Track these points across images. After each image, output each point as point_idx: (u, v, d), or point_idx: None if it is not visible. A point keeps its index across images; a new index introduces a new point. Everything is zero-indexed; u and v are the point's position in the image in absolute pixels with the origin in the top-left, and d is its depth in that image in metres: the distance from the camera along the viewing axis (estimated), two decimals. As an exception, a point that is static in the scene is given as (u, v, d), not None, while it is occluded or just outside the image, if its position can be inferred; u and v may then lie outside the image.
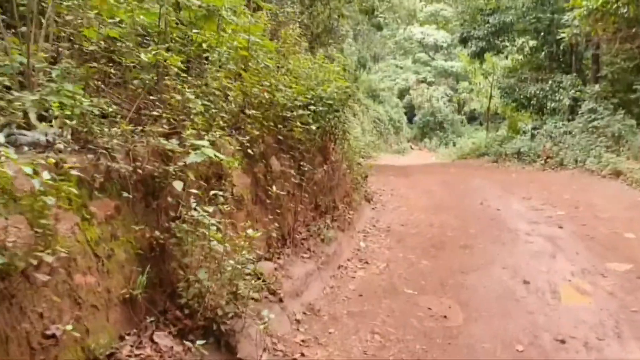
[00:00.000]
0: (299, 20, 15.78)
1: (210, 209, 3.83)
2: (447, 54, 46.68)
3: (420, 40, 45.55)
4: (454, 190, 13.16)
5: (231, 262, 3.93)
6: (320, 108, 6.93)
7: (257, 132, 5.49)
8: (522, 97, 21.99)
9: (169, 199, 3.90)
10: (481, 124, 42.55)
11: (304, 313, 5.12)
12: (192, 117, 4.26)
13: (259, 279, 4.56)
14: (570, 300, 6.00)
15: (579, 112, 18.27)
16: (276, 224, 5.59)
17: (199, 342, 3.55)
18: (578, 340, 4.94)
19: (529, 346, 4.78)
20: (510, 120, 27.26)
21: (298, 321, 4.90)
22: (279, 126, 6.20)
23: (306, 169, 6.76)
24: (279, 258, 5.57)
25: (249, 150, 5.30)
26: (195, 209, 3.77)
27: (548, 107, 21.26)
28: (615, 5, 15.23)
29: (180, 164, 3.83)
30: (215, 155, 3.87)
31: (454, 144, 38.89)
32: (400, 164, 27.04)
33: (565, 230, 8.96)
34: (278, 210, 5.84)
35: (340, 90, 7.57)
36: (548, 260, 7.39)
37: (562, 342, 4.88)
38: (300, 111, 6.44)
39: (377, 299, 5.77)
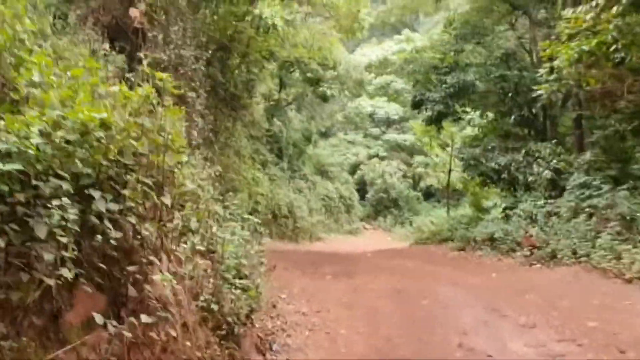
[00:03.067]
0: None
1: None
2: (400, 128, 43.19)
3: (371, 114, 41.95)
4: (413, 309, 8.22)
5: None
6: None
7: None
8: (489, 170, 17.71)
9: None
10: (439, 201, 38.45)
11: None
12: None
13: None
14: None
15: (568, 188, 13.95)
16: None
17: None
18: None
19: None
20: (474, 197, 22.95)
21: None
22: None
23: None
24: None
25: None
26: None
27: (521, 182, 17.01)
28: (613, 48, 11.22)
29: None
30: None
31: (411, 223, 34.47)
32: (348, 251, 22.15)
33: None
34: None
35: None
36: None
37: None
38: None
39: None
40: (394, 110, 41.00)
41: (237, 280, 5.37)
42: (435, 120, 19.22)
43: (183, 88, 10.50)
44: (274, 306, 8.14)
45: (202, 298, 4.72)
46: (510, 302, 8.49)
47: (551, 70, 13.06)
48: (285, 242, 26.01)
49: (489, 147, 18.12)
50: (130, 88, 4.07)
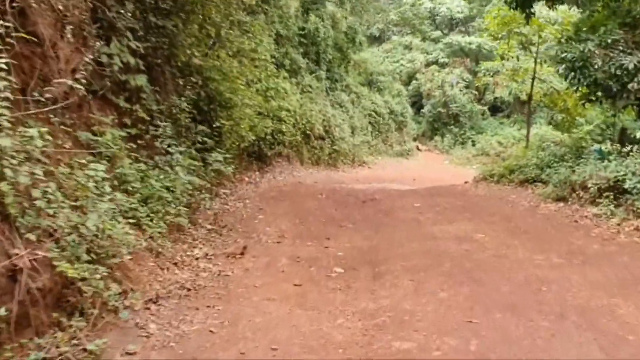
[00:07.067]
0: None
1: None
2: (465, 29, 35.49)
3: (431, 12, 34.34)
4: None
5: None
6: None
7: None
8: (607, 76, 11.09)
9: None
10: (508, 117, 31.52)
11: None
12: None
13: None
14: None
15: None
16: None
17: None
18: None
19: None
20: (566, 116, 16.26)
21: None
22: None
23: None
24: None
25: None
26: None
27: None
28: None
29: None
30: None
31: (473, 143, 28.06)
32: (393, 180, 16.47)
33: None
34: None
35: None
36: None
37: None
38: None
39: None
40: (458, 7, 33.18)
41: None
42: (524, 2, 12.44)
43: None
44: None
45: None
46: None
47: None
48: (321, 169, 20.38)
49: (609, 42, 11.37)
50: None
